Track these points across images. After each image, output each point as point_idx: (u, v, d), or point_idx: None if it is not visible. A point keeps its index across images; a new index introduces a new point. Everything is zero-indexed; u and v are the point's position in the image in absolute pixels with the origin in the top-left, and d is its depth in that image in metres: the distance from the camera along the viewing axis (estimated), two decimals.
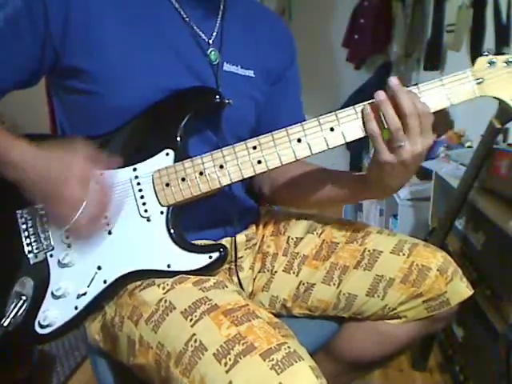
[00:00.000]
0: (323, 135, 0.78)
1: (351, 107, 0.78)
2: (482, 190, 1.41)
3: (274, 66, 0.97)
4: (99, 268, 0.79)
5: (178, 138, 0.81)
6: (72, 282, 0.79)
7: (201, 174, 0.79)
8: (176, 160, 0.80)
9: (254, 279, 0.99)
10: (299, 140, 0.78)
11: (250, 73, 0.92)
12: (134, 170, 0.81)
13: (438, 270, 0.85)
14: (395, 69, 3.42)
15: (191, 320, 0.70)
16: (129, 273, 0.79)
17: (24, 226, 0.81)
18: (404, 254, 0.87)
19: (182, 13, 0.85)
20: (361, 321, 0.93)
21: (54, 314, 0.79)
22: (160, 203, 0.80)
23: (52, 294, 0.79)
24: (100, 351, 0.87)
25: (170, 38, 0.84)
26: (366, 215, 2.80)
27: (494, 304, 1.28)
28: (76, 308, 0.79)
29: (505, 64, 0.77)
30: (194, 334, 0.68)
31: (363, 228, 0.95)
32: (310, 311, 0.94)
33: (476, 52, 2.16)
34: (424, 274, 0.85)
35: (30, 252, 0.81)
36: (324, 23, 3.59)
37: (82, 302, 0.79)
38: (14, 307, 0.78)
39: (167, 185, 0.80)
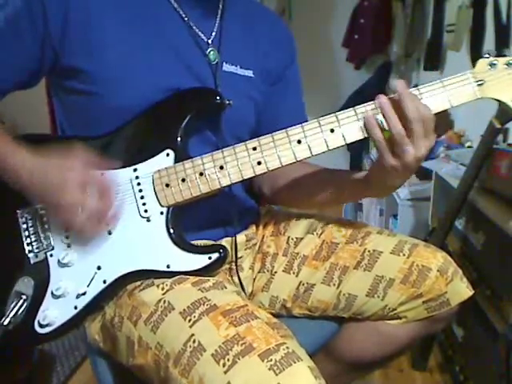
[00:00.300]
0: (323, 136, 0.78)
1: (351, 109, 0.78)
2: (482, 190, 1.41)
3: (274, 66, 0.97)
4: (99, 268, 0.79)
5: (179, 139, 0.81)
6: (72, 282, 0.79)
7: (201, 174, 0.79)
8: (176, 160, 0.80)
9: (254, 279, 0.99)
10: (299, 141, 0.78)
11: (250, 73, 0.92)
12: (135, 170, 0.81)
13: (438, 270, 0.85)
14: (395, 69, 3.42)
15: (190, 320, 0.70)
16: (128, 273, 0.79)
17: (24, 226, 0.81)
18: (404, 255, 0.87)
19: (181, 12, 0.85)
20: (361, 321, 0.93)
21: (53, 313, 0.79)
22: (160, 204, 0.80)
23: (52, 293, 0.79)
24: (100, 351, 0.87)
25: (170, 38, 0.84)
26: (366, 215, 2.80)
27: (494, 304, 1.28)
28: (76, 308, 0.79)
29: (505, 66, 0.77)
30: (193, 335, 0.68)
31: (363, 228, 0.94)
32: (309, 311, 0.94)
33: (476, 52, 2.16)
34: (424, 275, 0.85)
35: (30, 251, 0.81)
36: (324, 23, 3.58)
37: (82, 302, 0.79)
38: (14, 306, 0.78)
39: (167, 185, 0.80)
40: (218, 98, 0.82)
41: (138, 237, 0.80)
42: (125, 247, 0.80)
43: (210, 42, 0.88)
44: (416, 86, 0.78)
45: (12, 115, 2.47)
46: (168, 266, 0.79)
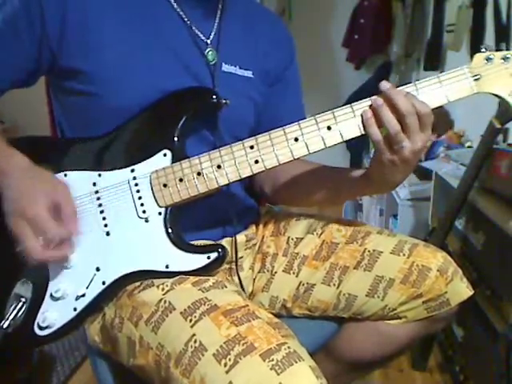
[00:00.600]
0: (320, 134, 0.78)
1: (348, 105, 0.78)
2: (482, 190, 1.40)
3: (273, 67, 0.97)
4: (98, 269, 0.79)
5: (176, 139, 0.81)
6: (71, 284, 0.79)
7: (198, 174, 0.79)
8: (174, 160, 0.80)
9: (254, 279, 0.99)
10: (296, 139, 0.78)
11: (249, 73, 0.92)
12: (132, 171, 0.81)
13: (438, 270, 0.85)
14: (395, 69, 3.42)
15: (191, 320, 0.70)
16: (127, 274, 0.79)
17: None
18: (404, 255, 0.87)
19: (181, 12, 0.85)
20: (361, 321, 0.93)
21: (53, 315, 0.79)
22: (158, 204, 0.80)
23: (51, 295, 0.79)
24: (100, 352, 0.87)
25: (169, 38, 0.84)
26: (366, 215, 2.80)
27: (494, 304, 1.28)
28: (75, 309, 0.79)
29: (502, 60, 0.77)
30: (194, 335, 0.68)
31: (363, 228, 0.94)
32: (309, 311, 0.94)
33: (476, 52, 2.15)
34: (424, 275, 0.85)
35: None
36: (324, 23, 3.59)
37: (81, 304, 0.79)
38: (14, 309, 0.78)
39: (165, 185, 0.79)
40: (214, 97, 0.82)
41: (136, 237, 0.80)
42: (123, 248, 0.80)
43: (208, 42, 0.87)
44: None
45: (12, 115, 2.47)
46: (167, 266, 0.79)
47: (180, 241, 0.80)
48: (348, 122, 0.77)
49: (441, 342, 1.67)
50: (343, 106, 0.79)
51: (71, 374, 1.66)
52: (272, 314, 0.75)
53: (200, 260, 0.79)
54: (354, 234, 0.93)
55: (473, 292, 0.89)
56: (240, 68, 0.91)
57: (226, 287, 0.78)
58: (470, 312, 1.37)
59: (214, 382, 0.63)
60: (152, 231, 0.80)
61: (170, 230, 0.79)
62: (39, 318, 0.79)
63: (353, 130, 0.78)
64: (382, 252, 0.89)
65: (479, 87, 0.77)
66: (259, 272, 0.98)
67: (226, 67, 0.89)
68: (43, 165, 0.77)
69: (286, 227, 1.00)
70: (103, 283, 0.79)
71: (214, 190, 0.80)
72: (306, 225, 0.99)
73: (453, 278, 0.86)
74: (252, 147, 0.79)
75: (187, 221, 0.82)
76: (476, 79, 0.77)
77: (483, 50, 0.78)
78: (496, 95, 0.78)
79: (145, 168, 0.80)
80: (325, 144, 0.78)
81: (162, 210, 0.80)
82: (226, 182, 0.79)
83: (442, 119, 2.21)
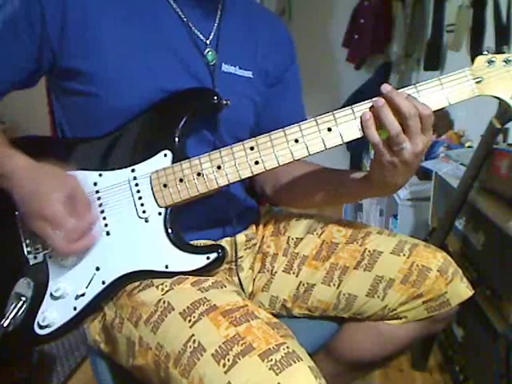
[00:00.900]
0: (321, 135, 0.78)
1: (348, 107, 0.77)
2: (482, 190, 1.40)
3: (272, 68, 0.96)
4: (97, 269, 0.79)
5: (176, 139, 0.81)
6: (71, 283, 0.79)
7: (198, 174, 0.79)
8: (174, 161, 0.80)
9: (254, 279, 0.99)
10: (296, 140, 0.78)
11: (249, 74, 0.92)
12: (133, 171, 0.81)
13: (438, 270, 0.85)
14: (395, 69, 3.41)
15: (190, 321, 0.70)
16: (127, 273, 0.79)
17: (23, 227, 0.81)
18: (404, 255, 0.87)
19: (180, 13, 0.85)
20: (361, 321, 0.93)
21: (53, 314, 0.79)
22: (158, 204, 0.80)
23: (51, 294, 0.79)
24: (100, 352, 0.87)
25: (168, 39, 0.84)
26: (366, 215, 2.80)
27: (494, 304, 1.28)
28: (75, 309, 0.79)
29: (504, 63, 0.77)
30: (193, 335, 0.68)
31: (363, 228, 0.94)
32: (309, 311, 0.94)
33: (476, 52, 2.15)
34: (424, 275, 0.85)
35: (29, 253, 0.81)
36: (324, 23, 3.59)
37: (81, 303, 0.79)
38: (14, 308, 0.78)
39: (165, 186, 0.80)
40: (215, 98, 0.82)
41: (136, 237, 0.80)
42: (123, 248, 0.80)
43: (208, 42, 0.87)
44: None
45: (12, 115, 2.47)
46: (166, 267, 0.79)
47: (180, 241, 0.80)
48: (348, 124, 0.77)
49: (441, 342, 1.67)
50: (343, 106, 0.79)
51: (71, 374, 1.66)
52: (272, 314, 0.75)
53: (200, 260, 0.79)
54: (354, 234, 0.93)
55: (473, 292, 0.89)
56: (240, 68, 0.91)
57: (225, 287, 0.78)
58: (469, 312, 1.37)
59: (213, 382, 0.63)
60: (152, 231, 0.80)
61: (169, 230, 0.79)
62: (39, 317, 0.79)
63: (353, 131, 0.77)
64: (382, 252, 0.89)
65: (481, 90, 0.77)
66: (259, 272, 0.98)
67: (225, 67, 0.89)
68: None
69: (286, 227, 1.00)
70: (103, 283, 0.79)
71: (214, 191, 0.80)
72: (306, 225, 0.99)
73: (453, 279, 0.86)
74: (252, 148, 0.79)
75: (187, 221, 0.82)
76: (477, 82, 0.77)
77: (485, 52, 0.77)
78: (498, 98, 0.78)
79: (145, 168, 0.80)
80: (325, 145, 0.78)
81: (162, 210, 0.80)
82: (226, 183, 0.79)
83: (441, 119, 2.21)
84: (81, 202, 0.75)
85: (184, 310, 0.71)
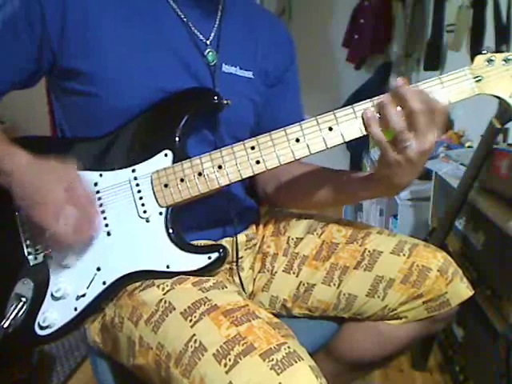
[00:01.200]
0: (322, 135, 0.78)
1: (349, 106, 0.77)
2: (482, 190, 1.40)
3: (272, 68, 0.96)
4: (98, 269, 0.79)
5: (177, 139, 0.81)
6: (71, 284, 0.79)
7: (199, 174, 0.79)
8: (175, 161, 0.80)
9: (254, 279, 0.99)
10: (298, 140, 0.78)
11: (250, 74, 0.92)
12: (133, 171, 0.81)
13: (438, 270, 0.85)
14: (395, 69, 3.42)
15: (191, 320, 0.70)
16: (128, 274, 0.79)
17: (23, 228, 0.81)
18: (404, 255, 0.87)
19: (180, 13, 0.85)
20: (361, 321, 0.93)
21: (53, 315, 0.79)
22: (159, 204, 0.80)
23: (51, 295, 0.79)
24: (100, 352, 0.87)
25: (168, 39, 0.84)
26: (366, 215, 2.80)
27: (494, 304, 1.28)
28: (75, 309, 0.79)
29: (503, 62, 0.77)
30: (194, 335, 0.68)
31: (363, 228, 0.94)
32: (309, 311, 0.94)
33: (476, 52, 2.15)
34: (424, 275, 0.85)
35: (29, 253, 0.81)
36: (324, 23, 3.59)
37: (82, 304, 0.79)
38: (14, 309, 0.78)
39: (166, 185, 0.80)
40: (215, 98, 0.82)
41: (137, 237, 0.80)
42: (124, 248, 0.80)
43: (208, 42, 0.87)
44: None
45: (12, 115, 2.47)
46: (168, 267, 0.79)
47: (181, 241, 0.80)
48: (349, 123, 0.77)
49: (441, 342, 1.67)
50: (343, 106, 0.79)
51: (71, 374, 1.66)
52: (272, 313, 0.75)
53: (201, 260, 0.79)
54: (354, 234, 0.93)
55: (473, 292, 0.89)
56: (240, 69, 0.91)
57: (226, 287, 0.78)
58: (469, 312, 1.37)
59: (214, 382, 0.63)
60: (153, 231, 0.80)
61: (170, 230, 0.80)
62: (40, 318, 0.79)
63: (354, 130, 0.77)
64: (382, 252, 0.89)
65: (480, 89, 0.77)
66: (259, 272, 0.98)
67: (226, 68, 0.89)
68: None
69: (286, 227, 1.00)
70: (104, 283, 0.79)
71: (215, 190, 0.80)
72: (306, 225, 0.99)
73: (453, 279, 0.86)
74: (253, 148, 0.79)
75: (188, 221, 0.82)
76: (477, 81, 0.77)
77: (484, 51, 0.77)
78: (497, 97, 0.78)
79: (146, 168, 0.80)
80: (326, 145, 0.78)
81: (163, 210, 0.80)
82: (227, 183, 0.79)
83: None
84: (81, 193, 0.75)
85: (185, 310, 0.71)
